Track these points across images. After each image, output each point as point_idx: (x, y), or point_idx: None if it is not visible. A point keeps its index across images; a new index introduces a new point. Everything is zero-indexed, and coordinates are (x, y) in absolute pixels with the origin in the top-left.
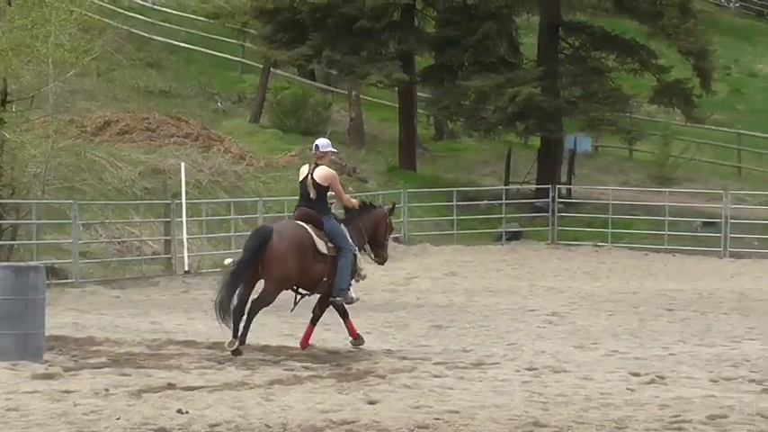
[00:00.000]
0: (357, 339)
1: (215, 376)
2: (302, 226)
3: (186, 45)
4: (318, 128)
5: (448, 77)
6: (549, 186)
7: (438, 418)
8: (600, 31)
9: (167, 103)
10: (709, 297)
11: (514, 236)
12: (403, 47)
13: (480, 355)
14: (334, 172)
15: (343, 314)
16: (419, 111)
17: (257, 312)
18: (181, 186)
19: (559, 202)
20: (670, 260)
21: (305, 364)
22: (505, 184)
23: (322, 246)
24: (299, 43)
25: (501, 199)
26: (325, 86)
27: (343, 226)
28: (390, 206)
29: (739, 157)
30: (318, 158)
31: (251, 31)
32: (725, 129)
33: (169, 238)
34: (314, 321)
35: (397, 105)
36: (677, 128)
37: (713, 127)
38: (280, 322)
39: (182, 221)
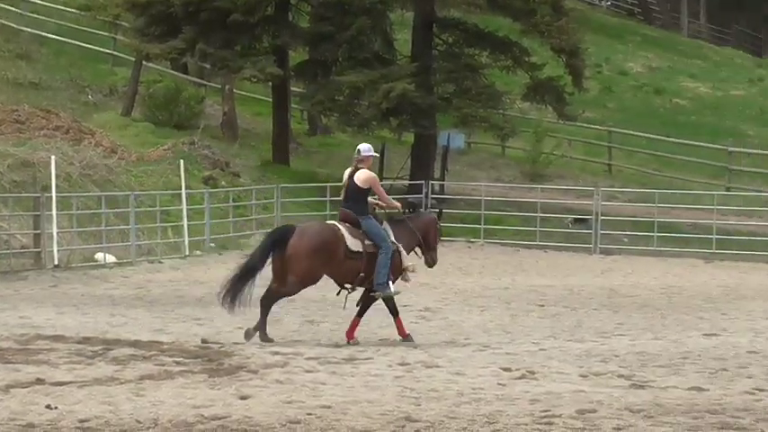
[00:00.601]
0: (406, 339)
1: (84, 371)
2: (331, 225)
3: (56, 37)
4: (191, 121)
5: (322, 73)
6: (423, 182)
7: (310, 414)
8: (473, 28)
9: (37, 96)
10: (580, 293)
11: None
12: (277, 41)
13: (353, 351)
14: (374, 175)
15: (393, 312)
16: (293, 106)
17: (275, 302)
18: (51, 179)
19: (432, 198)
20: (541, 256)
21: (176, 359)
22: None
23: (355, 244)
24: (171, 36)
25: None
26: (199, 80)
27: (386, 225)
28: (438, 210)
29: (610, 154)
30: (359, 162)
31: (123, 23)
32: (596, 126)
33: (38, 231)
34: (360, 314)
35: (271, 100)
36: (549, 125)
37: (585, 124)
38: (151, 317)
39: (51, 215)
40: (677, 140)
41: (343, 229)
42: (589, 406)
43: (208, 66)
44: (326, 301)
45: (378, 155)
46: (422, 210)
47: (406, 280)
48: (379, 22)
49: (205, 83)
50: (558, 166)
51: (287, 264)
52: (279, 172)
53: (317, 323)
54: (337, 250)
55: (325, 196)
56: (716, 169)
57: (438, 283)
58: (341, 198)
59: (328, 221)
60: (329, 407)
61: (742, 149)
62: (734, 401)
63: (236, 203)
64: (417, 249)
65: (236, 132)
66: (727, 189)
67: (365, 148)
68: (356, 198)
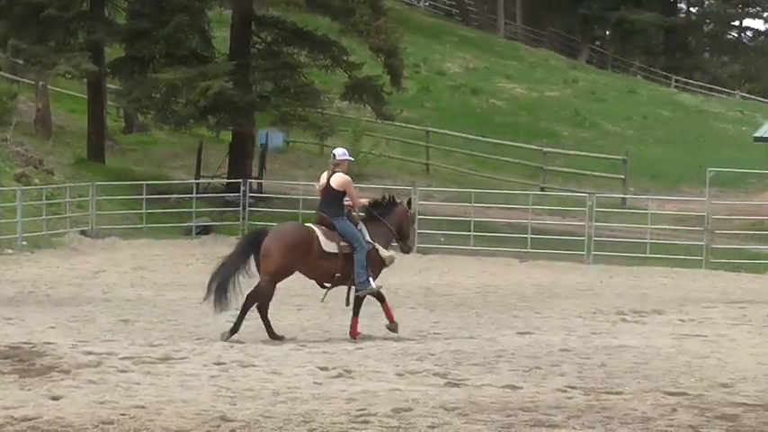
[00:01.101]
0: (394, 323)
1: None
2: (306, 227)
3: None
4: (3, 118)
5: (139, 70)
6: (241, 181)
7: (123, 414)
8: (292, 27)
9: None
10: (397, 292)
11: (204, 230)
12: (92, 37)
13: (168, 350)
14: (348, 178)
15: (356, 311)
16: (109, 103)
17: (253, 304)
18: None
19: (250, 197)
20: None
21: None
22: (196, 178)
23: (329, 245)
24: None
25: (191, 193)
26: (11, 76)
27: (362, 225)
28: (408, 199)
29: (428, 153)
30: (336, 166)
31: None
32: (414, 126)
33: None
34: (356, 313)
35: (86, 97)
36: (368, 124)
37: (403, 124)
38: None
39: None
40: (493, 140)
41: (318, 230)
42: (405, 404)
43: (21, 61)
44: (141, 300)
45: (353, 159)
46: (396, 203)
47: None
48: (197, 19)
49: (18, 78)
50: (376, 165)
51: (261, 262)
52: (94, 170)
53: (131, 322)
54: (310, 249)
55: (141, 194)
56: (531, 169)
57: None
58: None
59: (306, 224)
60: (143, 407)
61: (556, 150)
62: (546, 399)
63: (50, 201)
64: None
65: (50, 129)
66: (542, 189)
67: (340, 152)
68: (331, 200)
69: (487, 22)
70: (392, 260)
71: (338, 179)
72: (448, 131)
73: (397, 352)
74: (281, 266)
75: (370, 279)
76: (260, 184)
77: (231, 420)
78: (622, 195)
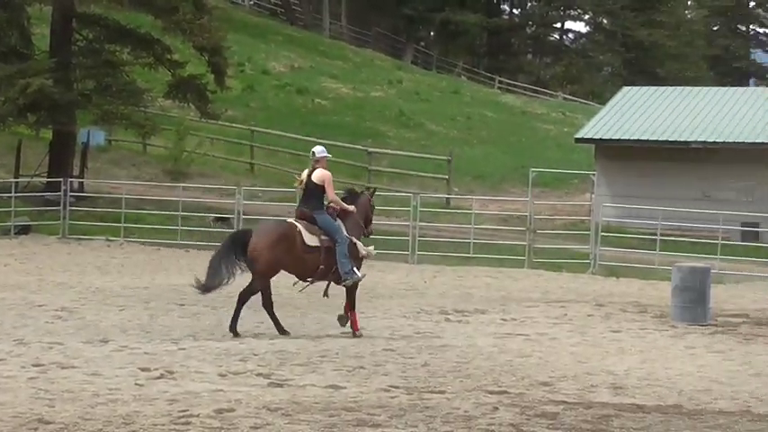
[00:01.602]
0: (356, 334)
1: None
2: (288, 223)
3: None
4: None
5: None
6: (61, 180)
7: None
8: (115, 25)
9: None
10: (220, 292)
11: (23, 230)
12: None
13: None
14: (328, 173)
15: (351, 305)
16: None
17: (247, 300)
18: None
19: (71, 196)
20: (183, 255)
21: None
22: (15, 177)
23: (311, 239)
24: None
25: (10, 192)
26: None
27: (339, 221)
28: (373, 189)
29: (252, 153)
30: (316, 163)
31: None
32: (239, 125)
33: None
34: (352, 307)
35: None
36: (192, 123)
37: (227, 123)
38: None
39: None
40: (318, 140)
41: (299, 225)
42: (227, 405)
43: None
44: None
45: (330, 156)
46: (360, 193)
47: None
48: (16, 15)
49: None
50: (200, 164)
51: (250, 261)
52: None
53: None
54: (295, 244)
55: None
56: (356, 169)
57: (75, 283)
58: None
59: (287, 219)
60: None
61: (381, 150)
62: (370, 399)
63: None
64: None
65: None
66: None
67: (319, 149)
68: (311, 195)
69: (313, 22)
70: (372, 253)
71: (318, 174)
72: (273, 131)
73: (219, 352)
74: (269, 264)
75: (354, 269)
76: (81, 183)
77: (49, 423)
78: (447, 195)
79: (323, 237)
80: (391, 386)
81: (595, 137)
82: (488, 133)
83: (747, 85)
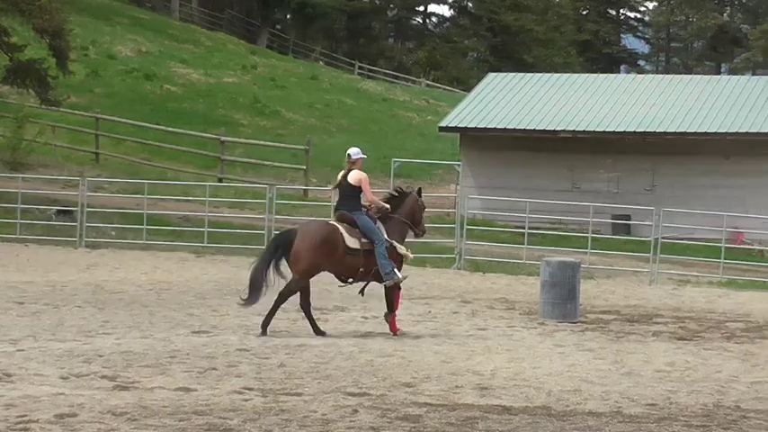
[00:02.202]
0: (395, 335)
1: None
2: (330, 225)
3: None
4: None
5: None
6: None
7: None
8: None
9: None
10: (63, 289)
11: None
12: None
13: None
14: (365, 174)
15: (390, 306)
16: None
17: (285, 301)
18: None
19: None
20: (22, 250)
21: None
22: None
23: (353, 242)
24: None
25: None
26: None
27: (379, 223)
28: (419, 188)
29: (97, 142)
30: (351, 164)
31: None
32: (82, 112)
33: None
34: (390, 309)
35: None
36: (31, 110)
37: (70, 110)
38: None
39: None
40: (168, 129)
41: (341, 228)
42: (69, 410)
43: None
44: None
45: (366, 156)
46: (406, 192)
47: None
48: None
49: None
50: (41, 154)
51: (292, 262)
52: None
53: None
54: (337, 247)
55: None
56: (208, 159)
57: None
58: (336, 199)
59: (329, 221)
60: None
61: (235, 139)
62: (222, 401)
63: None
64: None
65: None
66: (220, 180)
67: (354, 151)
68: (349, 197)
69: (161, 4)
70: (409, 257)
71: (355, 175)
72: (119, 119)
73: (61, 353)
74: (310, 265)
75: (395, 269)
76: None
77: None
78: (304, 187)
79: (363, 239)
80: (245, 388)
81: (460, 125)
82: (348, 121)
83: (618, 71)
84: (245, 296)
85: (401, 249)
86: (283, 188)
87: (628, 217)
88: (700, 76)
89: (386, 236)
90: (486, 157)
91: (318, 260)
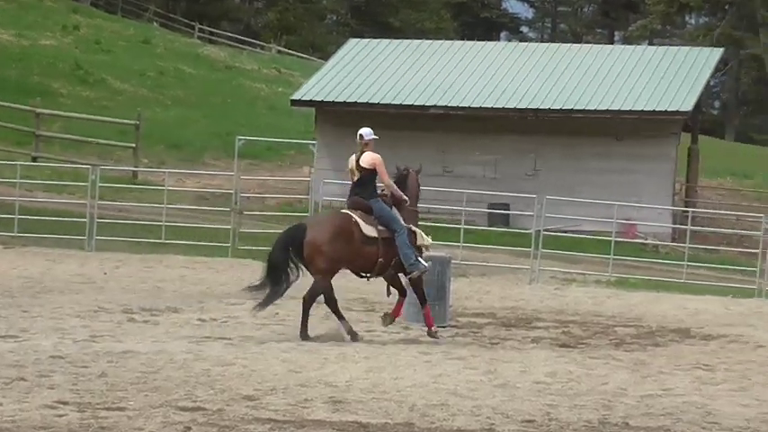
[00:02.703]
0: (431, 332)
1: None
2: (343, 214)
3: None
4: None
5: None
6: None
7: None
8: None
9: None
10: None
11: None
12: None
13: None
14: (378, 156)
15: (422, 300)
16: None
17: (312, 303)
18: None
19: None
20: None
21: None
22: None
23: (369, 230)
24: None
25: None
26: None
27: (394, 209)
28: (419, 167)
29: None
30: (364, 146)
31: None
32: None
33: None
34: (423, 301)
35: None
36: None
37: None
38: None
39: None
40: None
41: (355, 215)
42: None
43: None
44: None
45: (378, 137)
46: (407, 171)
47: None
48: None
49: None
50: None
51: (307, 260)
52: None
53: None
54: (353, 236)
55: None
56: (20, 135)
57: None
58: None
59: (341, 210)
60: None
61: (53, 111)
62: (31, 417)
63: None
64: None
65: None
66: (34, 159)
67: (367, 132)
68: (363, 181)
69: None
70: (429, 246)
71: (368, 158)
72: None
73: None
74: (329, 261)
75: (419, 258)
76: None
77: None
78: (133, 168)
79: (380, 227)
80: (59, 402)
81: (316, 99)
82: (185, 93)
83: (498, 39)
84: (260, 301)
85: (424, 238)
86: (109, 169)
87: (506, 206)
88: (590, 46)
89: (402, 221)
90: (346, 136)
91: (337, 254)
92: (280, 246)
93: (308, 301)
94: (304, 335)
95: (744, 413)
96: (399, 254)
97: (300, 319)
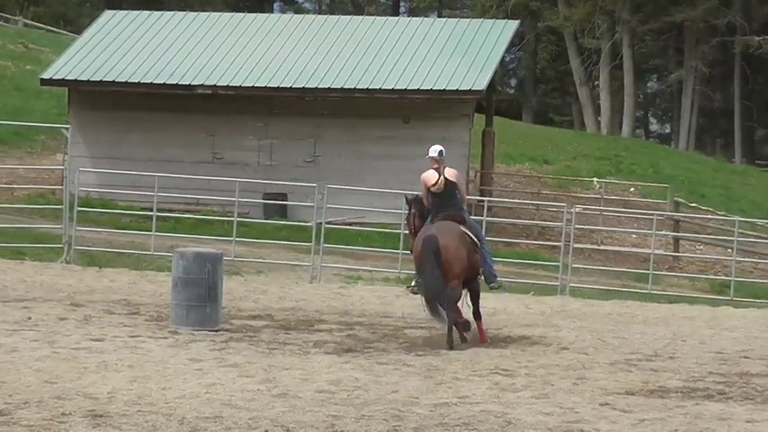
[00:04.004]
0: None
1: None
2: (453, 222)
3: None
4: None
5: None
6: None
7: None
8: None
9: None
10: None
11: None
12: None
13: None
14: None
15: (477, 316)
16: None
17: (456, 308)
18: None
19: None
20: None
21: None
22: None
23: (474, 240)
24: None
25: None
26: None
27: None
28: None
29: None
30: (435, 163)
31: None
32: None
33: None
34: (478, 317)
35: None
36: None
37: None
38: None
39: None
40: None
41: (462, 227)
42: None
43: None
44: None
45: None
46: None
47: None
48: None
49: None
50: None
51: (446, 267)
52: None
53: None
54: (472, 245)
55: None
56: None
57: None
58: (430, 202)
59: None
60: None
61: None
62: None
63: None
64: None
65: None
66: None
67: (439, 149)
68: (451, 196)
69: None
70: None
71: (453, 172)
72: None
73: None
74: (463, 267)
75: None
76: None
77: None
78: None
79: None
80: None
81: (68, 78)
82: None
83: (271, 11)
84: (439, 322)
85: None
86: None
87: (283, 196)
88: (373, 18)
89: None
90: (103, 119)
91: (469, 260)
92: (430, 260)
93: (450, 308)
94: (450, 342)
95: (546, 422)
96: (483, 265)
97: (447, 334)
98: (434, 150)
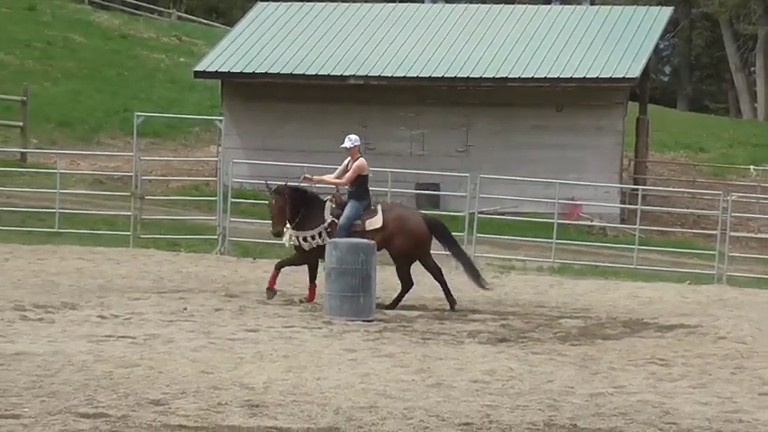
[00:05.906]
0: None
1: None
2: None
3: None
4: None
5: None
6: None
7: None
8: None
9: None
10: None
11: None
12: None
13: None
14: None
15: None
16: None
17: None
18: None
19: None
20: None
21: None
22: None
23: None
24: None
25: None
26: None
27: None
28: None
29: None
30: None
31: None
32: None
33: None
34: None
35: None
36: None
37: None
38: None
39: None
40: None
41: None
42: None
43: None
44: None
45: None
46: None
47: None
48: None
49: None
50: None
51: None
52: None
53: None
54: None
55: None
56: None
57: None
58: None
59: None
60: None
61: None
62: None
63: None
64: None
65: None
66: None
67: (355, 138)
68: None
69: None
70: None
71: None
72: None
73: None
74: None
75: None
76: None
77: None
78: (21, 149)
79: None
80: None
81: (221, 70)
82: (76, 65)
83: (423, 1)
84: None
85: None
86: None
87: (436, 186)
88: (525, 7)
89: None
90: (256, 111)
91: None
92: (448, 236)
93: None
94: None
95: (704, 412)
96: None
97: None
98: (356, 140)
